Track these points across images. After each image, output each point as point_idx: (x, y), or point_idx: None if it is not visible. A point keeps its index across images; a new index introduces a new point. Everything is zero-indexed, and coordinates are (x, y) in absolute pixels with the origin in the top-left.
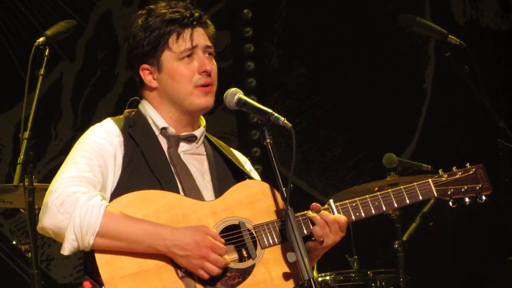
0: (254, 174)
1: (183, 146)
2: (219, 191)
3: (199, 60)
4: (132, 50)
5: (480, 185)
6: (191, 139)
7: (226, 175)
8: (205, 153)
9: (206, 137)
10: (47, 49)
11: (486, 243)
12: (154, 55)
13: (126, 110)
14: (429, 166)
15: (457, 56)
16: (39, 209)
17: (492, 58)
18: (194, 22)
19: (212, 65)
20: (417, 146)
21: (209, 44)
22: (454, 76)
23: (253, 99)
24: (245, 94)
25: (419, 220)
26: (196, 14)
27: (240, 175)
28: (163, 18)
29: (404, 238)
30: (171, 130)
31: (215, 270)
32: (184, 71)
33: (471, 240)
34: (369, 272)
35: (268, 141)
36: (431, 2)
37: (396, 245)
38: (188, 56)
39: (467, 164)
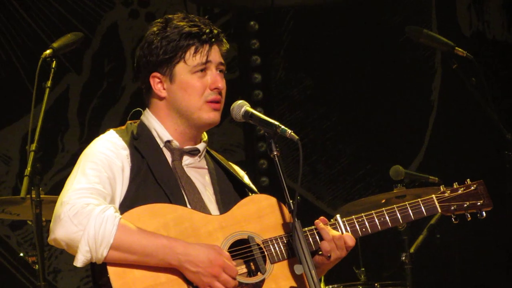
0: (252, 187)
1: (186, 159)
2: (222, 204)
3: (212, 76)
4: (146, 56)
5: (481, 201)
6: (194, 152)
7: (228, 188)
8: (206, 166)
9: (207, 151)
10: (54, 62)
11: (493, 255)
12: (168, 65)
13: (128, 122)
14: (436, 178)
15: (464, 68)
16: (46, 221)
17: (499, 70)
18: (213, 39)
19: (223, 83)
20: (424, 158)
21: (223, 61)
22: (461, 88)
23: (260, 111)
24: (252, 106)
25: (426, 233)
26: (215, 32)
27: (241, 188)
28: (182, 31)
29: (411, 250)
30: (175, 143)
31: None
32: (197, 84)
33: (479, 252)
34: (376, 284)
35: (275, 153)
36: (437, 14)
37: (403, 257)
38: (201, 70)
39: (467, 180)
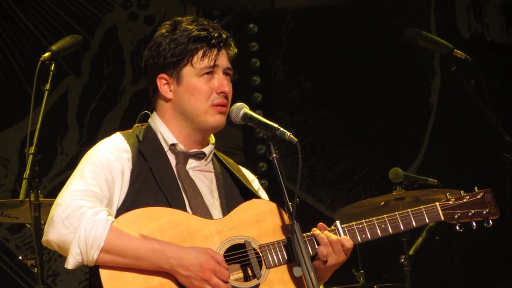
0: (262, 192)
1: (191, 163)
2: (227, 208)
3: (219, 80)
4: (153, 57)
5: (487, 210)
6: (200, 156)
7: (234, 193)
8: (213, 170)
9: (214, 154)
10: (53, 64)
11: (493, 258)
12: (175, 67)
13: (136, 125)
14: (435, 181)
15: (462, 70)
16: (45, 224)
17: (498, 72)
18: (221, 44)
19: (229, 88)
20: (423, 160)
21: (230, 66)
22: (459, 91)
23: (259, 114)
24: (251, 109)
25: (426, 235)
26: (224, 36)
27: (248, 194)
28: (191, 34)
29: (411, 252)
30: (180, 147)
31: None
32: (204, 87)
33: (478, 255)
34: (375, 287)
35: (274, 155)
36: (436, 16)
37: (403, 260)
38: (208, 73)
39: (475, 188)
